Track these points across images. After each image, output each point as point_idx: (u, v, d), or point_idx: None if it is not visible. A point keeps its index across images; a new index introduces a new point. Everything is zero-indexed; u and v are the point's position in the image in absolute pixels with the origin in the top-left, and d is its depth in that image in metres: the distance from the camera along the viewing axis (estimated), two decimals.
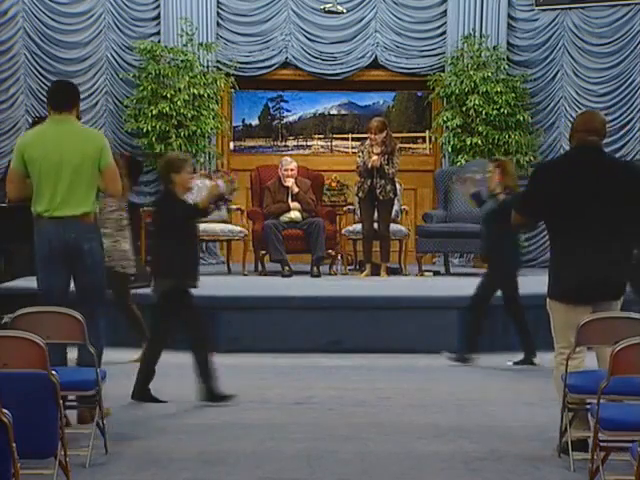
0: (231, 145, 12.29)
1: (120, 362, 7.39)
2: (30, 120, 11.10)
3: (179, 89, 11.11)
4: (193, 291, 6.43)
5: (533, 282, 9.59)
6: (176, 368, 7.58)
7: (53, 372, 4.21)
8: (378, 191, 10.01)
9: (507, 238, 7.45)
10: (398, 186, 10.77)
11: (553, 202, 5.06)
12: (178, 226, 6.26)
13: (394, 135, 10.56)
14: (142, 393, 6.33)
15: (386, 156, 9.96)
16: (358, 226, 10.39)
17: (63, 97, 5.49)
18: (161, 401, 6.31)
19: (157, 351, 6.43)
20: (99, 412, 5.12)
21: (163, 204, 6.48)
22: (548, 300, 5.20)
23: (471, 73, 11.28)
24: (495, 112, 11.17)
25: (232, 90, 11.78)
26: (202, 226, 10.44)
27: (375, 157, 9.91)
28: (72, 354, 5.65)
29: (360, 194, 10.11)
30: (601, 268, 4.99)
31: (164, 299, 6.31)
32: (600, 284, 5.01)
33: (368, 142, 10.16)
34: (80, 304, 5.34)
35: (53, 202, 5.39)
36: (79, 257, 5.38)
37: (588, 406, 4.83)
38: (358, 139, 10.48)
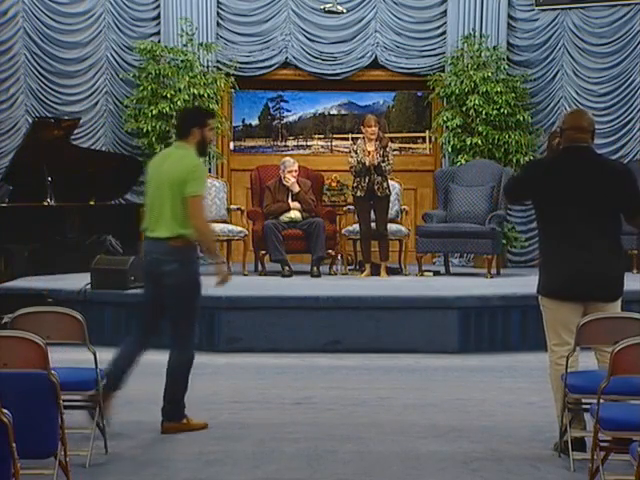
0: (231, 145, 12.29)
1: None
2: (30, 120, 11.10)
3: (179, 89, 11.10)
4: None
5: (534, 282, 9.62)
6: None
7: (53, 372, 4.21)
8: (376, 187, 10.01)
9: None
10: (397, 185, 10.79)
11: (538, 198, 5.16)
12: None
13: (394, 135, 10.58)
14: None
15: (381, 151, 9.98)
16: (358, 226, 10.38)
17: (179, 126, 5.79)
18: None
19: None
20: (99, 412, 5.13)
21: None
22: (539, 297, 5.24)
23: (471, 73, 11.27)
24: (495, 112, 11.16)
25: (232, 90, 11.78)
26: None
27: (372, 151, 9.92)
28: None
29: (358, 193, 10.10)
30: (587, 266, 5.01)
31: None
32: (587, 282, 5.03)
33: (360, 141, 10.18)
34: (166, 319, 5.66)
35: (150, 222, 5.61)
36: (161, 277, 5.54)
37: (587, 406, 4.84)
38: (358, 139, 10.48)
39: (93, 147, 11.37)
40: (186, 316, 5.60)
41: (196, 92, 11.13)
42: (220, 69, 11.58)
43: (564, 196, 5.05)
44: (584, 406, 4.97)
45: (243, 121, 12.42)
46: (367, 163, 9.95)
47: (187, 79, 11.13)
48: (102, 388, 5.20)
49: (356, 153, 10.08)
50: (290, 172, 10.48)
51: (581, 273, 5.02)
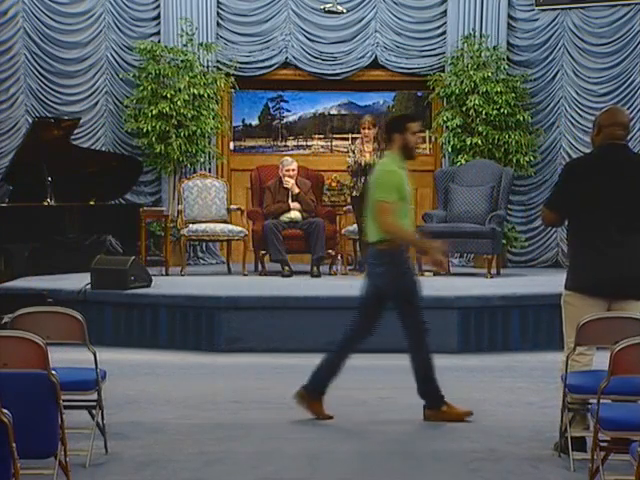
0: (231, 145, 12.29)
1: (120, 362, 7.40)
2: (30, 120, 11.10)
3: (179, 89, 11.10)
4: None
5: (534, 282, 9.62)
6: (178, 368, 7.61)
7: (53, 372, 4.21)
8: None
9: None
10: None
11: (580, 198, 5.09)
12: None
13: None
14: None
15: (378, 152, 9.98)
16: (357, 226, 10.38)
17: (384, 136, 6.04)
18: None
19: None
20: (99, 412, 5.13)
21: None
22: (564, 293, 5.19)
23: (471, 73, 11.27)
24: (495, 112, 11.16)
25: (232, 90, 11.78)
26: (202, 226, 10.51)
27: (368, 154, 9.94)
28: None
29: (355, 193, 10.11)
30: (618, 263, 4.99)
31: None
32: (619, 280, 5.01)
33: (359, 141, 10.20)
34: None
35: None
36: (373, 279, 5.93)
37: (588, 406, 4.83)
38: (357, 139, 10.48)
39: (93, 147, 11.36)
40: (406, 314, 6.08)
41: (196, 92, 11.13)
42: (220, 69, 11.58)
43: (598, 193, 5.03)
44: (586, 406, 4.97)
45: (243, 121, 12.42)
46: (363, 163, 9.96)
47: (187, 79, 11.13)
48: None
49: (353, 153, 10.09)
50: (288, 171, 10.48)
51: (611, 270, 4.98)
